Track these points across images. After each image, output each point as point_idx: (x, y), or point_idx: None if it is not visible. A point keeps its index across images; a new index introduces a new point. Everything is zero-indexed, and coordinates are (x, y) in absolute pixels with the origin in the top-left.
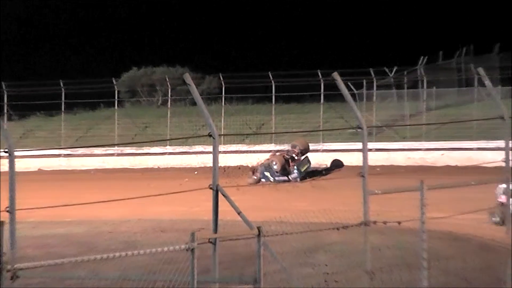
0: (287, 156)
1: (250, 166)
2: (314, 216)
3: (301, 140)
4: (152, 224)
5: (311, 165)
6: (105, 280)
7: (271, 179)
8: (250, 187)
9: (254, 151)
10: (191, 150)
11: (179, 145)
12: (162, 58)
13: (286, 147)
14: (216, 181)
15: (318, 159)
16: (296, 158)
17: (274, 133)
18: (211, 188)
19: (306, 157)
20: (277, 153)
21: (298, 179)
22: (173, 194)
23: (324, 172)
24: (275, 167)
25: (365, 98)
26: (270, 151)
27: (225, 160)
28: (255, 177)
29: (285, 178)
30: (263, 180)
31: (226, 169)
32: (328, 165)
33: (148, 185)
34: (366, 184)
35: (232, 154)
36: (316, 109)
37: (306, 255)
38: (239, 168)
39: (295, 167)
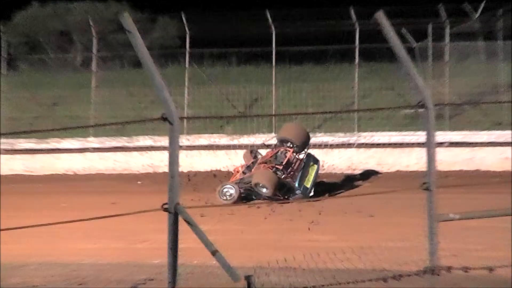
0: (278, 164)
1: (233, 172)
2: (345, 258)
3: (292, 127)
4: (65, 272)
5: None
6: None
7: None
8: (234, 208)
9: (240, 147)
10: (131, 145)
11: (111, 136)
12: None
13: (273, 141)
14: (176, 198)
15: (352, 159)
16: (293, 161)
17: (275, 115)
18: (166, 210)
19: (309, 156)
20: (253, 157)
21: (309, 195)
22: (101, 221)
23: (357, 182)
24: (264, 191)
25: (431, 55)
26: (268, 146)
27: (190, 162)
28: (232, 192)
29: (286, 197)
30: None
31: (192, 176)
32: (357, 171)
33: (58, 203)
34: (434, 203)
35: (202, 151)
36: (348, 74)
37: None
38: (214, 175)
39: (296, 183)
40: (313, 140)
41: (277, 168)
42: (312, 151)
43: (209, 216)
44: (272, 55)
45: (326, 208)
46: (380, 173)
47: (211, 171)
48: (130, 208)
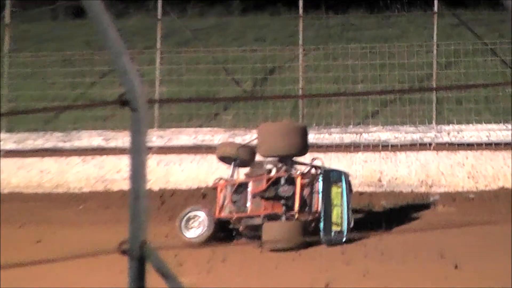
0: (289, 206)
1: (226, 188)
2: None
3: (282, 130)
4: None
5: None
6: None
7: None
8: (234, 249)
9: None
10: (68, 145)
11: (36, 131)
12: None
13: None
14: (141, 233)
15: (428, 169)
16: (305, 189)
17: (304, 96)
18: (124, 253)
19: (326, 174)
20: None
21: (345, 238)
22: (18, 270)
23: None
24: None
25: None
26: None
27: (165, 174)
28: (202, 222)
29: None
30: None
31: (167, 197)
32: (435, 189)
33: None
34: None
35: (185, 155)
36: (421, 29)
37: None
38: (204, 195)
39: (320, 227)
40: (365, 137)
41: (289, 214)
42: (362, 155)
43: (193, 262)
44: None
45: (385, 249)
46: (473, 192)
47: (198, 188)
48: (65, 249)
